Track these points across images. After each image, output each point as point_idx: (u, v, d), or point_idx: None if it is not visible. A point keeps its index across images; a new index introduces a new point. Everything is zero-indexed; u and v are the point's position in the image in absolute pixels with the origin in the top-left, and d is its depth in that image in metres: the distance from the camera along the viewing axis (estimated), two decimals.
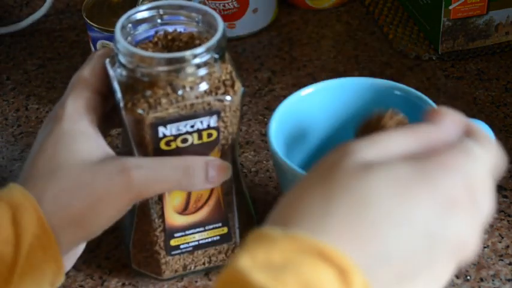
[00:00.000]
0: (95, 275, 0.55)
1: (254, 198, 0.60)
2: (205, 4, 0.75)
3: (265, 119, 0.68)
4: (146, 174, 0.44)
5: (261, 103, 0.70)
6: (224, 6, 0.75)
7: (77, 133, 0.45)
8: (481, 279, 0.53)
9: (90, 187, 0.43)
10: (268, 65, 0.75)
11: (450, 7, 0.71)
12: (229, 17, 0.77)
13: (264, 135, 0.66)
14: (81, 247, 0.49)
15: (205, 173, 0.46)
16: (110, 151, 0.46)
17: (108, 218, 0.44)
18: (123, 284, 0.54)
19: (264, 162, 0.64)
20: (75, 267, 0.55)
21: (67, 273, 0.55)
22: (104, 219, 0.44)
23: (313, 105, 0.53)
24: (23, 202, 0.41)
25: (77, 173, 0.43)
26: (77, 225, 0.43)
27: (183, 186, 0.46)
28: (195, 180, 0.46)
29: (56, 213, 0.42)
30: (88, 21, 0.64)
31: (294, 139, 0.52)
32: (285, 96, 0.55)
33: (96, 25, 0.63)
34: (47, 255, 0.41)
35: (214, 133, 0.47)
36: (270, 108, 0.69)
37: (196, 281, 0.54)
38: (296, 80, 0.73)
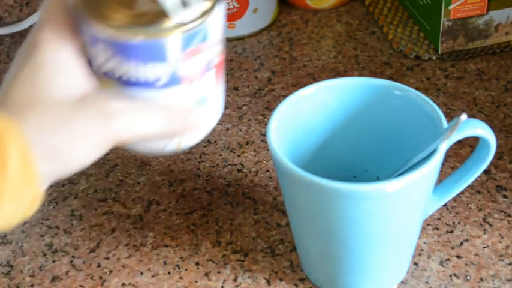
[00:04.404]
0: (95, 275, 0.55)
1: (254, 198, 0.60)
2: None
3: (265, 119, 0.68)
4: (129, 122, 0.43)
5: (261, 103, 0.70)
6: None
7: (57, 65, 0.43)
8: (481, 279, 0.53)
9: (70, 126, 0.42)
10: (268, 65, 0.75)
11: (450, 7, 0.71)
12: (229, 17, 0.77)
13: (264, 135, 0.66)
14: None
15: (187, 121, 0.45)
16: (89, 86, 0.44)
17: (86, 158, 0.43)
18: (123, 284, 0.54)
19: (264, 162, 0.64)
20: (75, 267, 0.56)
21: (67, 273, 0.55)
22: (82, 159, 0.43)
23: (313, 105, 0.53)
24: (6, 128, 0.40)
25: (59, 111, 0.42)
26: (55, 160, 0.42)
27: (165, 134, 0.45)
28: (177, 130, 0.45)
29: (36, 146, 0.41)
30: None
31: (294, 139, 0.52)
32: (285, 96, 0.55)
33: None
34: (28, 185, 0.41)
35: None
36: (270, 108, 0.69)
37: (196, 281, 0.54)
38: (296, 80, 0.73)
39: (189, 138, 0.47)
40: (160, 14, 0.44)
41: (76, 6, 0.45)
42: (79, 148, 0.42)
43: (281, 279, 0.54)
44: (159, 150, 0.47)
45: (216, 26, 0.45)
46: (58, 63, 0.43)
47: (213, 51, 0.45)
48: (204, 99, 0.46)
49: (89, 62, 0.45)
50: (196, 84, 0.45)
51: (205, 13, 0.44)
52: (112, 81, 0.45)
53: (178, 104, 0.45)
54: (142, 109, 0.44)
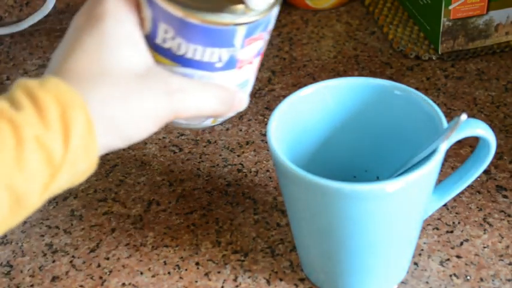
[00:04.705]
0: (95, 275, 0.55)
1: (254, 198, 0.60)
2: None
3: (265, 119, 0.68)
4: (188, 99, 0.44)
5: (261, 103, 0.70)
6: None
7: (122, 37, 0.43)
8: (481, 279, 0.53)
9: (135, 102, 0.42)
10: (268, 65, 0.75)
11: (450, 7, 0.71)
12: None
13: (264, 135, 0.66)
14: None
15: (234, 101, 0.47)
16: (151, 61, 0.45)
17: (144, 132, 0.44)
18: (123, 284, 0.54)
19: (264, 162, 0.64)
20: (75, 267, 0.56)
21: (67, 273, 0.55)
22: (141, 133, 0.44)
23: (313, 105, 0.52)
24: (72, 100, 0.40)
25: (125, 84, 0.42)
26: (114, 134, 0.42)
27: (215, 114, 0.46)
28: (226, 110, 0.46)
29: (99, 119, 0.41)
30: None
31: (294, 139, 0.52)
32: (285, 96, 0.55)
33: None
34: (86, 158, 0.41)
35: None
36: (270, 108, 0.69)
37: (196, 281, 0.54)
38: (296, 80, 0.73)
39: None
40: (233, 2, 0.44)
41: None
42: (140, 123, 0.43)
43: (281, 279, 0.54)
44: (196, 126, 0.49)
45: (275, 15, 0.46)
46: (123, 36, 0.43)
47: (266, 38, 0.47)
48: (246, 82, 0.48)
49: (146, 37, 0.45)
50: (245, 68, 0.47)
51: (274, 4, 0.45)
52: (170, 58, 0.45)
53: (227, 85, 0.46)
54: (201, 88, 0.45)
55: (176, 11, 0.43)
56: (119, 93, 0.42)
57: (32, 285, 0.54)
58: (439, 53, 0.74)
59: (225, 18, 0.43)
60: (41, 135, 0.38)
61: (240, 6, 0.44)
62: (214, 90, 0.45)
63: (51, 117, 0.39)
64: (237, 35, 0.44)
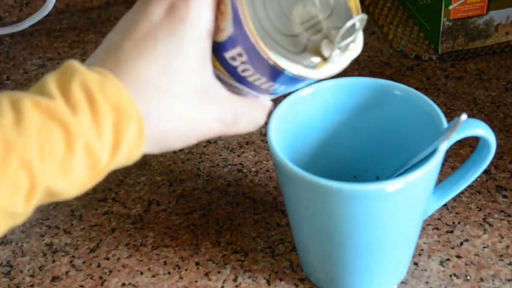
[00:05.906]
0: (95, 275, 0.55)
1: (254, 198, 0.60)
2: None
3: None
4: (234, 128, 0.45)
5: None
6: None
7: (196, 49, 0.41)
8: (481, 279, 0.53)
9: (190, 121, 0.42)
10: None
11: (450, 7, 0.71)
12: None
13: (264, 135, 0.66)
14: None
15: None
16: (212, 76, 0.44)
17: (185, 145, 0.44)
18: (123, 284, 0.54)
19: (264, 162, 0.64)
20: (75, 267, 0.56)
21: (67, 273, 0.55)
22: (182, 146, 0.44)
23: (313, 105, 0.52)
24: (129, 112, 0.39)
25: (185, 101, 0.42)
26: (159, 145, 0.42)
27: (252, 129, 0.47)
28: (261, 124, 0.48)
29: (150, 132, 0.41)
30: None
31: (294, 139, 0.52)
32: (285, 96, 0.55)
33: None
34: (126, 161, 0.41)
35: None
36: None
37: (196, 281, 0.54)
38: None
39: None
40: (315, 51, 0.44)
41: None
42: (186, 139, 0.43)
43: (281, 279, 0.54)
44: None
45: None
46: (197, 47, 0.42)
47: None
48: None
49: (215, 43, 0.43)
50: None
51: (348, 63, 0.46)
52: (229, 72, 0.45)
53: (266, 102, 0.48)
54: (248, 115, 0.46)
55: (263, 50, 0.42)
56: (178, 111, 0.42)
57: (32, 285, 0.54)
58: (439, 53, 0.74)
59: (303, 72, 0.44)
60: (91, 144, 0.38)
61: (317, 59, 0.44)
62: (257, 117, 0.46)
63: (105, 126, 0.39)
64: (303, 82, 0.46)
